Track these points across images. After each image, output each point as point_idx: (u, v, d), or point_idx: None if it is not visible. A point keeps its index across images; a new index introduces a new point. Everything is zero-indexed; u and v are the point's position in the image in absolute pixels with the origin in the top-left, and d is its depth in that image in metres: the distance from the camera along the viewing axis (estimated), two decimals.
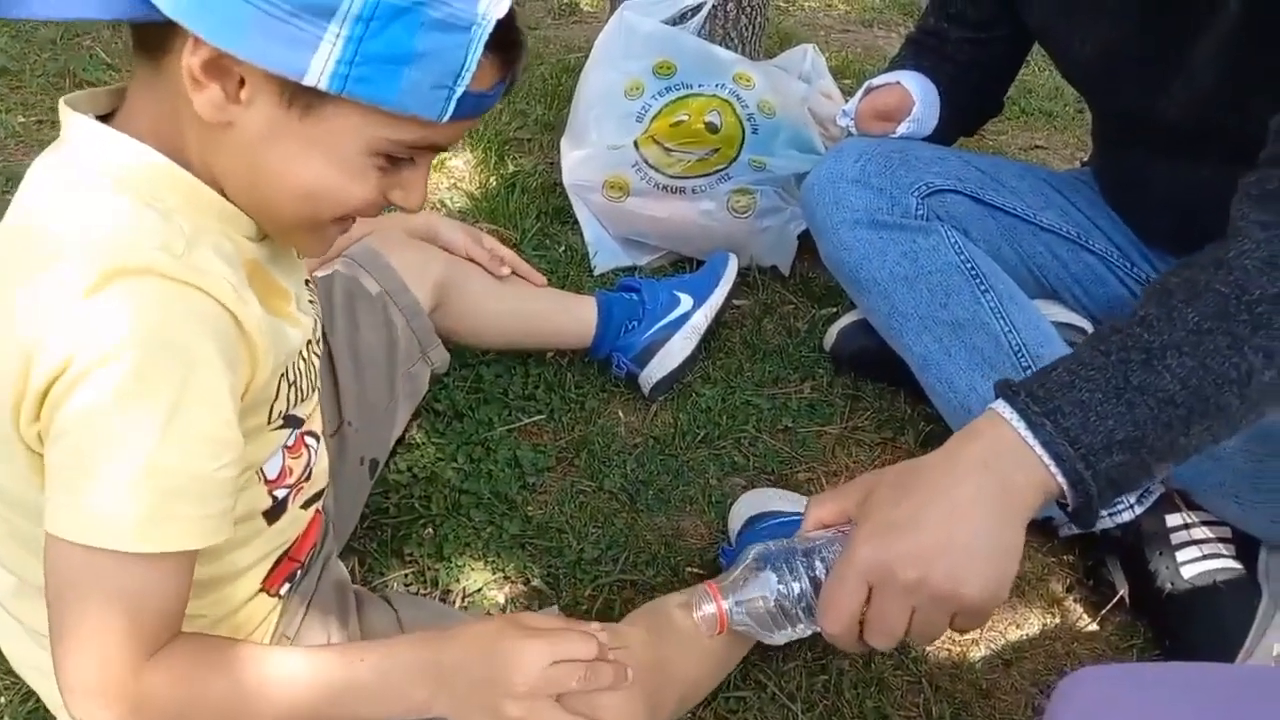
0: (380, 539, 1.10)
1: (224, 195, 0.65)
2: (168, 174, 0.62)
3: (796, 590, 0.70)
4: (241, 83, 0.60)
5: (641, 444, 1.30)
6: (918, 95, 1.29)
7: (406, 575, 1.08)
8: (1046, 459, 0.67)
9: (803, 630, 0.72)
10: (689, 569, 1.12)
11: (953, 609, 0.65)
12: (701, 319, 1.37)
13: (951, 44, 1.33)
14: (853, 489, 0.72)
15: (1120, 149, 1.26)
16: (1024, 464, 0.67)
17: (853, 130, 1.34)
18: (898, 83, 1.29)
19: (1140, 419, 0.67)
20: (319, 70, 0.58)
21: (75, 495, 0.56)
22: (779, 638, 0.73)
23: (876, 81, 1.32)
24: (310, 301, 0.78)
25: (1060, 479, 0.67)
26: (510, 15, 0.62)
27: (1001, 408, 0.69)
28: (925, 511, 0.65)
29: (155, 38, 0.60)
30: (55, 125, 0.66)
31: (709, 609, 0.71)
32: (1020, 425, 0.68)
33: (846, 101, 1.37)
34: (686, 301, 1.37)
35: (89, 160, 0.62)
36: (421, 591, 1.07)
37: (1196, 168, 1.11)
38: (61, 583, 0.58)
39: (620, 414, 1.35)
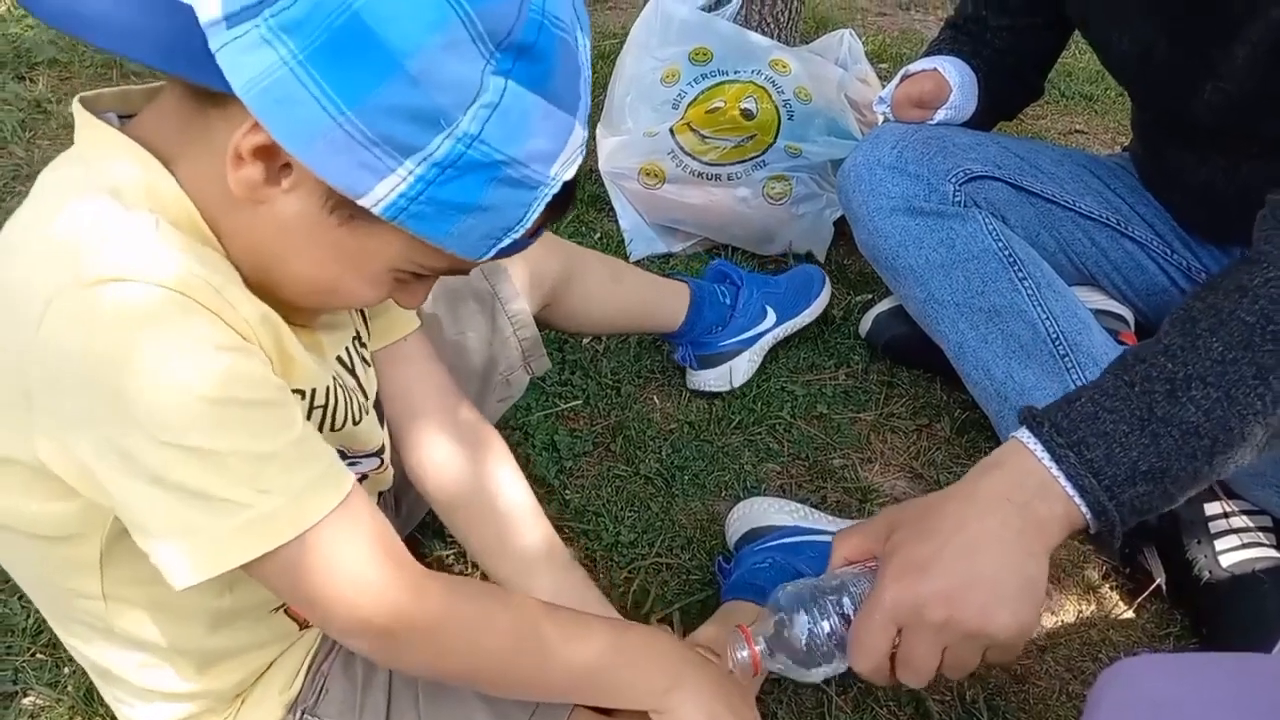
0: (424, 519, 1.13)
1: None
2: (179, 202, 0.58)
3: (827, 629, 0.70)
4: (286, 168, 0.56)
5: (677, 429, 1.31)
6: (955, 82, 1.28)
7: (448, 556, 1.11)
8: (1070, 491, 0.67)
9: (837, 666, 0.72)
10: (723, 554, 1.14)
11: (984, 645, 0.65)
12: (772, 338, 1.38)
13: (991, 30, 1.32)
14: (876, 525, 0.72)
15: (1158, 141, 1.25)
16: (1048, 496, 0.67)
17: (889, 116, 1.33)
18: (935, 69, 1.29)
19: (1164, 450, 0.67)
20: (379, 197, 0.55)
21: (237, 508, 0.56)
22: (815, 675, 0.73)
23: (914, 68, 1.31)
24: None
25: (1084, 510, 0.67)
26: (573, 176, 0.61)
27: (1025, 437, 0.69)
28: (949, 549, 0.65)
29: (205, 93, 0.55)
30: None
31: (743, 654, 0.72)
32: (1044, 456, 0.68)
33: (884, 87, 1.36)
34: (771, 317, 1.37)
35: (98, 173, 0.57)
36: (463, 571, 1.09)
37: (1233, 165, 1.10)
38: (298, 576, 0.59)
39: (656, 400, 1.36)
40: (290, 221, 0.58)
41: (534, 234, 0.64)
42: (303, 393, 0.65)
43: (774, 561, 1.05)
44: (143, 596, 0.66)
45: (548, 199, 0.60)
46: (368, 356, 0.80)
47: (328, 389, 0.68)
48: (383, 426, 0.81)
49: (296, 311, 0.67)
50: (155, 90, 0.62)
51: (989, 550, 0.65)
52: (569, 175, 0.60)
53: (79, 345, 0.52)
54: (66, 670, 0.94)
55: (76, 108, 0.60)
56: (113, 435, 0.54)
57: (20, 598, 1.00)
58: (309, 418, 0.66)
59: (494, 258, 0.63)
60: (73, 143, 0.60)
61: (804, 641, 0.71)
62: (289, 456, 0.58)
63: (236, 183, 0.56)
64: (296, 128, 0.53)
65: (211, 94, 0.55)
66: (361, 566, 0.62)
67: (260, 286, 0.62)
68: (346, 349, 0.75)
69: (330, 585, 0.61)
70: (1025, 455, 0.69)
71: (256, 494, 0.56)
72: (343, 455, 0.73)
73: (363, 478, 0.79)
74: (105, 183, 0.56)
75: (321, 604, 0.61)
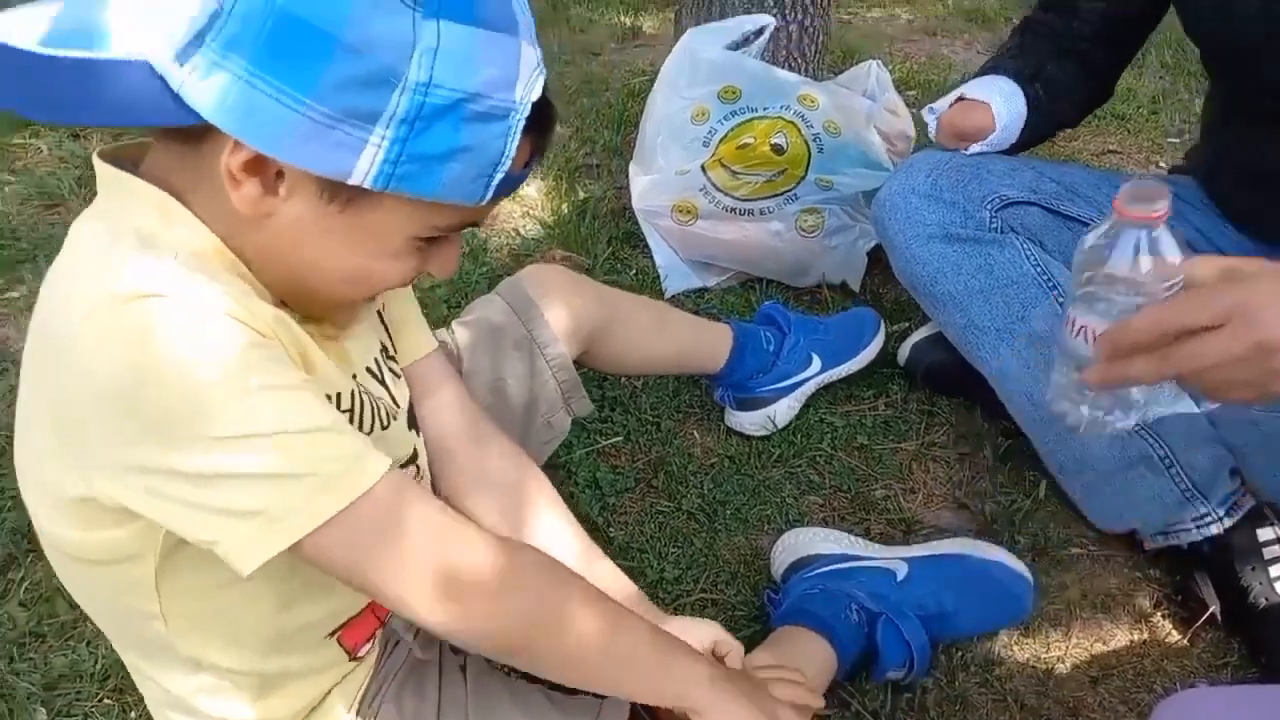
0: None
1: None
2: (192, 233, 0.62)
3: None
4: (279, 175, 0.59)
5: (718, 464, 1.32)
6: (1001, 120, 1.25)
7: None
8: None
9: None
10: (770, 586, 1.14)
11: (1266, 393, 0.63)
12: (816, 384, 1.37)
13: (1080, 14, 1.27)
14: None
15: (1254, 132, 1.16)
16: None
17: (933, 130, 1.31)
18: (988, 104, 1.25)
19: None
20: (364, 171, 0.58)
21: (295, 485, 0.58)
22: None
23: (971, 91, 1.27)
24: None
25: None
26: (543, 94, 0.62)
27: None
28: None
29: (190, 129, 0.59)
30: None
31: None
32: None
33: (920, 110, 1.35)
34: (816, 364, 1.36)
35: (122, 218, 0.61)
36: None
37: None
38: (368, 538, 0.60)
39: (696, 434, 1.37)
40: (299, 225, 0.61)
41: (527, 164, 0.65)
42: (329, 396, 0.68)
43: (825, 588, 1.05)
44: (201, 613, 0.69)
45: (521, 124, 0.61)
46: (397, 369, 0.83)
47: (352, 393, 0.71)
48: (417, 434, 0.83)
49: (332, 320, 0.71)
50: (145, 144, 0.66)
51: None
52: (535, 96, 0.61)
53: (117, 356, 0.55)
54: (133, 715, 0.97)
55: (97, 161, 0.64)
56: (164, 439, 0.56)
57: (88, 644, 1.04)
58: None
59: (495, 198, 0.64)
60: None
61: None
62: (337, 427, 0.61)
63: (240, 202, 0.60)
64: (268, 132, 0.56)
65: (195, 130, 0.58)
66: (433, 515, 0.63)
67: (300, 298, 0.66)
68: (375, 359, 0.78)
69: (401, 542, 0.61)
70: None
71: (314, 463, 0.59)
72: None
73: None
74: (131, 225, 0.60)
75: (392, 568, 0.62)
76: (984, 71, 1.31)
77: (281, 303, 0.67)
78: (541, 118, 0.64)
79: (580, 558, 0.89)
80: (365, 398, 0.73)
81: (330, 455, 0.60)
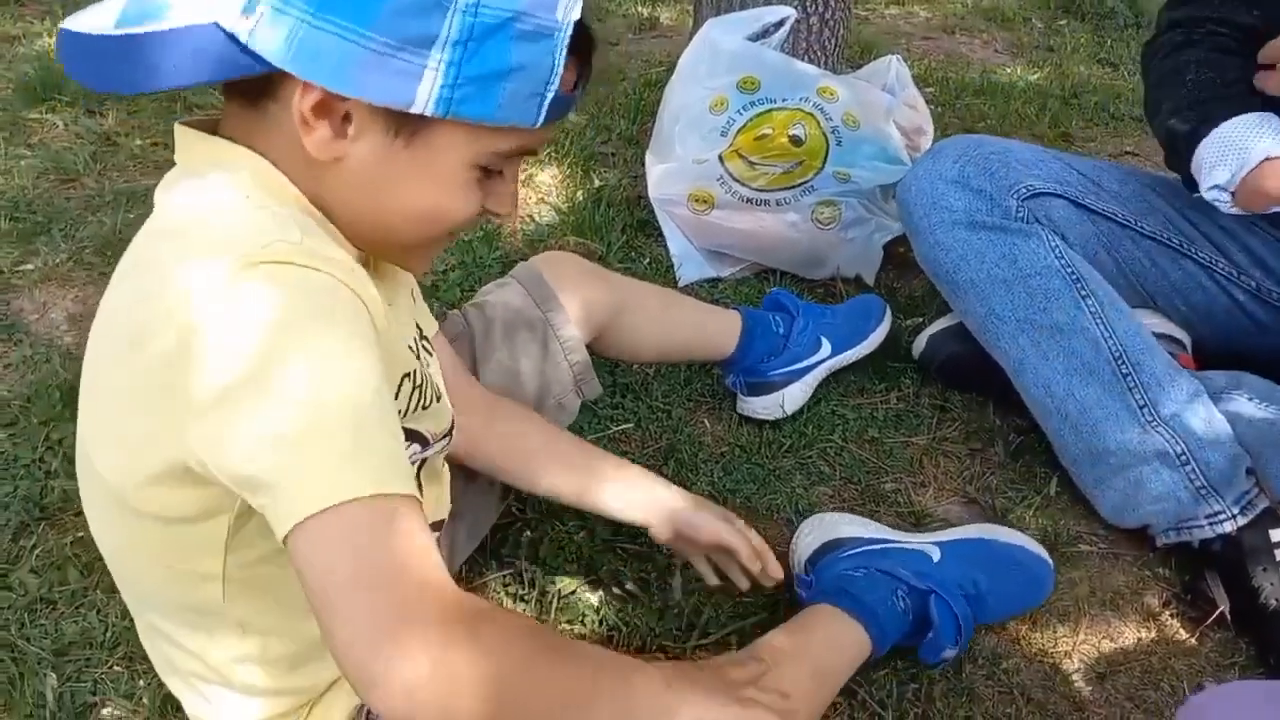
0: (481, 541, 1.15)
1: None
2: (281, 185, 0.64)
3: None
4: (347, 118, 0.62)
5: (728, 453, 1.32)
6: None
7: (505, 577, 1.13)
8: None
9: None
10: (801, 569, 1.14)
11: None
12: (827, 369, 1.37)
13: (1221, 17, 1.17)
14: None
15: None
16: None
17: (1225, 207, 1.13)
18: None
19: None
20: (425, 97, 0.61)
21: (292, 470, 0.54)
22: None
23: (1279, 150, 1.06)
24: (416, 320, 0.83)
25: None
26: (582, 16, 0.65)
27: None
28: None
29: (254, 86, 0.63)
30: (169, 146, 0.70)
31: None
32: None
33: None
34: (826, 348, 1.36)
35: (215, 184, 0.63)
36: (520, 593, 1.11)
37: None
38: (323, 570, 0.53)
39: (706, 423, 1.37)
40: (370, 165, 0.64)
41: (574, 87, 0.68)
42: (408, 374, 0.72)
43: (868, 570, 1.03)
44: (259, 577, 0.69)
45: (565, 43, 0.64)
46: (429, 347, 0.86)
47: (416, 370, 0.75)
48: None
49: (405, 267, 0.77)
50: (216, 120, 0.69)
51: None
52: (576, 15, 0.64)
53: (247, 321, 0.55)
54: (142, 683, 0.97)
55: (183, 131, 0.67)
56: (240, 396, 0.55)
57: (98, 611, 1.04)
58: (409, 396, 0.73)
59: (549, 120, 0.66)
60: (142, 173, 0.66)
61: None
62: (386, 411, 0.58)
63: (314, 146, 0.62)
64: (334, 68, 0.59)
65: (261, 89, 0.62)
66: (429, 556, 0.56)
67: (381, 246, 0.70)
68: (414, 339, 0.80)
69: (397, 559, 0.54)
70: None
71: (355, 440, 0.55)
72: (425, 442, 0.78)
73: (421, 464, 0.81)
74: (233, 191, 0.63)
75: (384, 580, 0.54)
76: (1212, 116, 1.12)
77: (364, 259, 0.70)
78: (583, 39, 0.66)
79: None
80: (421, 369, 0.76)
81: (372, 445, 0.56)
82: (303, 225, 0.62)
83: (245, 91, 0.64)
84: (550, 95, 0.65)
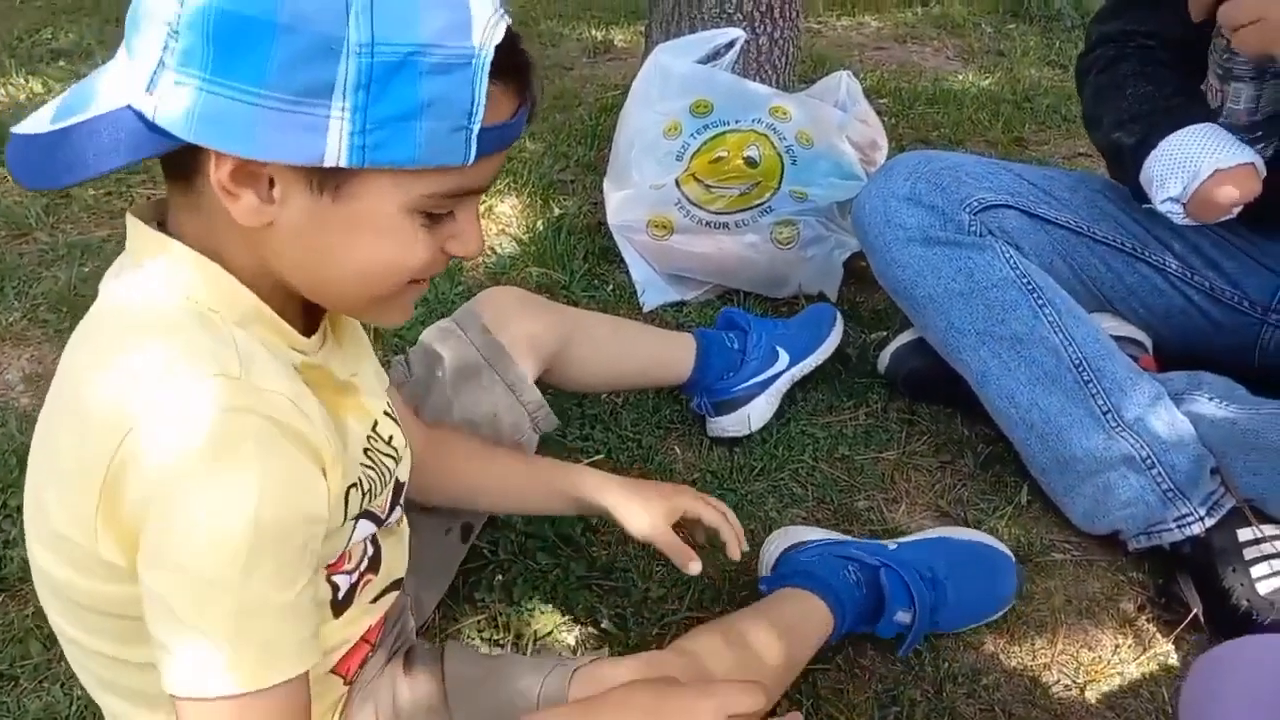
0: (453, 586, 1.14)
1: (276, 297, 0.66)
2: (223, 283, 0.63)
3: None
4: (271, 183, 0.60)
5: (700, 479, 1.31)
6: (1261, 171, 1.10)
7: (479, 621, 1.11)
8: None
9: None
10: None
11: None
12: (789, 380, 1.38)
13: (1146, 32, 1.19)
14: None
15: None
16: None
17: (1178, 218, 1.14)
18: (1251, 165, 1.09)
19: None
20: (336, 149, 0.57)
21: (177, 648, 0.58)
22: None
23: (1227, 162, 1.08)
24: (378, 370, 0.81)
25: None
26: (510, 38, 0.60)
27: None
28: None
29: (181, 161, 0.60)
30: (123, 196, 0.69)
31: None
32: None
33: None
34: (783, 358, 1.36)
35: (154, 278, 0.64)
36: (495, 638, 1.09)
37: None
38: None
39: (677, 450, 1.37)
40: (305, 226, 0.61)
41: (518, 114, 0.64)
42: (354, 484, 0.69)
43: (824, 553, 1.08)
44: None
45: (485, 70, 0.58)
46: (392, 411, 0.82)
47: (364, 477, 0.71)
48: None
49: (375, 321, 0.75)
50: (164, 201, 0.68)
51: None
52: (497, 39, 0.59)
53: (172, 451, 0.57)
54: None
55: (129, 218, 0.65)
56: (163, 557, 0.58)
57: (61, 685, 1.02)
58: (358, 502, 0.70)
59: (485, 154, 0.61)
60: (96, 224, 0.65)
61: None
62: (294, 608, 0.61)
63: (241, 215, 0.60)
64: (240, 133, 0.57)
65: (189, 164, 0.60)
66: None
67: (346, 300, 0.68)
68: (382, 413, 0.78)
69: None
70: None
71: (237, 629, 0.58)
72: (379, 520, 0.76)
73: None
74: (178, 294, 0.63)
75: None
76: (1157, 128, 1.13)
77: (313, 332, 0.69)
78: (513, 63, 0.61)
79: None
80: (374, 459, 0.73)
81: (259, 637, 0.60)
82: (245, 350, 0.61)
83: (175, 170, 0.62)
84: (476, 128, 0.60)
